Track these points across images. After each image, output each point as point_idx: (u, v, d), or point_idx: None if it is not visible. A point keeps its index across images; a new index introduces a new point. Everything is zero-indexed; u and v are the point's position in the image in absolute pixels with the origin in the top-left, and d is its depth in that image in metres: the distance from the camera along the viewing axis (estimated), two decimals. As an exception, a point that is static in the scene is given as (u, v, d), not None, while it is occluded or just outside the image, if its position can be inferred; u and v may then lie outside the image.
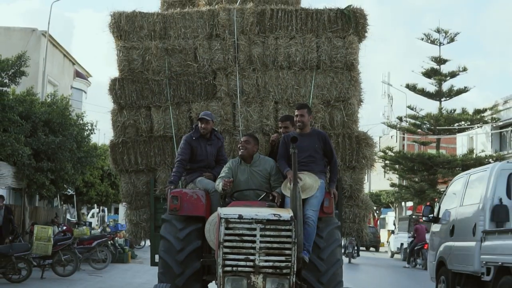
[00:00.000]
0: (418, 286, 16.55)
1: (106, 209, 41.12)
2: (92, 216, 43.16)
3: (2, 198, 17.91)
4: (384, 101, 46.12)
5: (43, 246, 15.79)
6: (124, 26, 10.08)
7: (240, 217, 6.87)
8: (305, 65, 9.80)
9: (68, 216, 32.06)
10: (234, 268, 6.80)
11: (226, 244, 6.82)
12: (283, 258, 6.83)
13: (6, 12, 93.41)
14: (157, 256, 8.89)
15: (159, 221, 9.26)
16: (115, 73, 10.17)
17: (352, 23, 9.85)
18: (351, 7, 9.91)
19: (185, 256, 7.82)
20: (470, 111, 35.76)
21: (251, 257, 6.78)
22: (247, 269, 6.78)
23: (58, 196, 26.80)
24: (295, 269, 6.89)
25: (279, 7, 9.97)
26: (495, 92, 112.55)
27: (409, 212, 39.75)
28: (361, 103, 10.33)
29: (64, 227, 22.67)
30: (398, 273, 21.41)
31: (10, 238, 17.60)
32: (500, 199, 10.25)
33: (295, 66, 9.80)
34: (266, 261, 6.79)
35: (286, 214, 7.02)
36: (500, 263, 9.26)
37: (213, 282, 7.89)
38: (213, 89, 9.88)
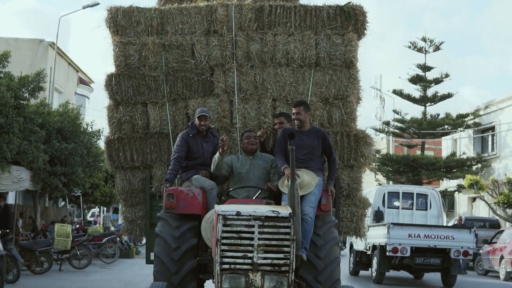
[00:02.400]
0: (394, 274, 19.28)
1: (105, 208, 41.53)
2: (93, 215, 43.79)
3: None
4: (376, 102, 46.05)
5: (63, 242, 17.80)
6: (121, 21, 9.85)
7: (238, 213, 6.69)
8: (304, 62, 9.59)
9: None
10: (232, 266, 6.62)
11: (224, 241, 6.64)
12: (281, 255, 6.65)
13: (2, 11, 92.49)
14: (152, 254, 8.66)
15: (154, 218, 9.08)
16: (112, 69, 9.93)
17: (352, 20, 9.65)
18: (351, 4, 9.71)
19: (180, 254, 7.64)
20: (463, 112, 36.59)
21: (249, 255, 6.60)
22: (245, 266, 6.60)
23: (67, 197, 28.16)
24: (294, 267, 6.71)
25: (278, 3, 9.74)
26: (493, 91, 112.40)
27: None
28: (360, 101, 10.13)
29: (77, 225, 24.65)
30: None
31: (31, 234, 20.19)
32: (378, 207, 18.57)
33: (294, 63, 9.60)
34: (264, 258, 6.61)
35: (284, 210, 6.84)
36: (373, 243, 17.41)
37: (210, 280, 7.69)
38: (210, 86, 9.66)
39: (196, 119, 8.68)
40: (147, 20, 9.83)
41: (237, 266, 6.58)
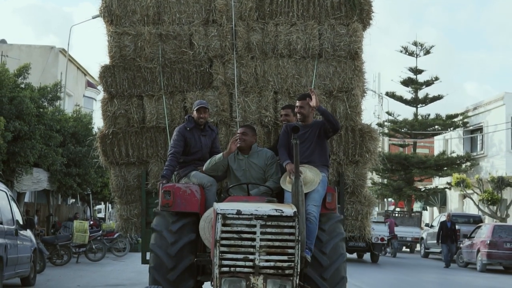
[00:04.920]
0: (378, 267, 21.91)
1: (110, 205, 41.59)
2: (99, 212, 44.41)
3: None
4: (375, 101, 45.73)
5: (81, 236, 19.38)
6: (116, 11, 9.21)
7: (239, 212, 6.10)
8: (307, 53, 8.96)
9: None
10: (232, 269, 6.04)
11: (223, 242, 6.06)
12: (285, 257, 6.08)
13: (3, 8, 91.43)
14: (148, 254, 8.02)
15: (150, 216, 8.50)
16: (107, 61, 9.29)
17: (357, 10, 9.01)
18: (356, -8, 9.05)
19: (178, 249, 7.04)
20: (453, 112, 37.66)
21: (251, 257, 6.02)
22: (246, 269, 6.02)
23: (78, 196, 29.61)
24: (298, 270, 6.10)
25: (280, -8, 9.07)
26: (495, 86, 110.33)
27: (392, 207, 43.53)
28: (365, 94, 9.47)
29: (91, 222, 25.97)
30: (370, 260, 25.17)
31: (52, 230, 22.88)
32: None
33: (296, 55, 8.97)
34: (267, 260, 6.03)
35: (288, 209, 6.24)
36: None
37: (209, 282, 7.07)
38: (209, 78, 9.04)
39: (195, 111, 8.06)
40: (143, 9, 9.19)
41: (238, 269, 6.02)
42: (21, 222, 12.44)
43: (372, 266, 22.60)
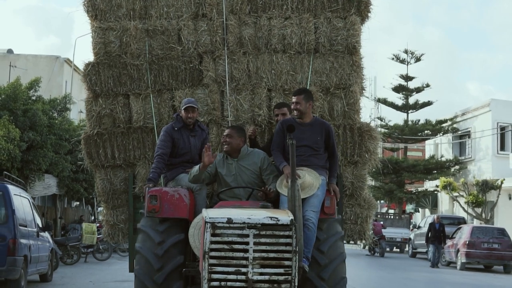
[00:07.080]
0: (366, 266, 22.42)
1: None
2: (100, 214, 44.96)
3: None
4: (370, 104, 45.23)
5: (90, 238, 20.29)
6: (100, 5, 8.48)
7: (230, 221, 5.38)
8: (302, 48, 8.23)
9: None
10: (223, 283, 5.32)
11: (213, 253, 5.33)
12: (281, 270, 5.35)
13: (3, 9, 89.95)
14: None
15: (138, 222, 7.65)
16: (91, 58, 8.57)
17: (354, 2, 8.28)
18: (353, -17, 8.30)
19: (165, 276, 6.23)
20: (443, 118, 38.28)
21: (243, 269, 5.32)
22: (238, 283, 5.32)
23: (84, 199, 30.33)
24: (296, 283, 5.35)
25: (273, -16, 8.33)
26: (496, 86, 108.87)
27: (384, 209, 44.00)
28: (364, 91, 8.74)
29: (98, 224, 26.63)
30: (360, 259, 25.96)
31: (62, 232, 24.17)
32: None
33: (291, 50, 8.23)
34: (261, 274, 5.33)
35: (285, 217, 5.49)
36: None
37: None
38: (199, 75, 8.30)
39: (183, 110, 7.32)
40: (129, 3, 8.46)
41: (229, 283, 5.31)
42: (40, 225, 13.48)
43: (362, 264, 22.67)
